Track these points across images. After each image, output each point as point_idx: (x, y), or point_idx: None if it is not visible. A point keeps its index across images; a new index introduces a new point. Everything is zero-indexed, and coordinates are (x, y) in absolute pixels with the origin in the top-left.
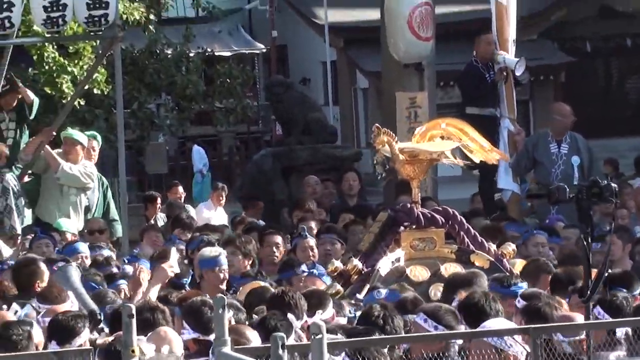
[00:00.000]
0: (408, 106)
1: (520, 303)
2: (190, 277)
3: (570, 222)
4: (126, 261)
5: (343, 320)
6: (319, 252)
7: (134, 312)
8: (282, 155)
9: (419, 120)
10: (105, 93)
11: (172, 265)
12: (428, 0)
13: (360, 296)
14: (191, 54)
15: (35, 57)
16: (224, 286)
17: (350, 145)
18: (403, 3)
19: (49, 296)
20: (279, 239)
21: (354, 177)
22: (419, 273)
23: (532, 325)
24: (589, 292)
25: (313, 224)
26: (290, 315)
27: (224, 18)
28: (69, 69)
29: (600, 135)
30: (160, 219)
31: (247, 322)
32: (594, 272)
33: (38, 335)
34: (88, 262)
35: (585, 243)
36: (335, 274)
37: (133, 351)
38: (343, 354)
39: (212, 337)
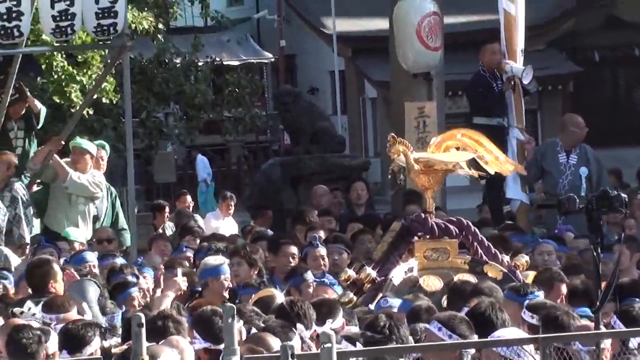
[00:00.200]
0: (417, 116)
1: (526, 314)
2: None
3: (578, 232)
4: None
5: (354, 329)
6: (328, 261)
7: (143, 321)
8: (290, 164)
9: (428, 130)
10: (114, 102)
11: (184, 280)
12: (437, 10)
13: (372, 306)
14: (200, 63)
15: (44, 66)
16: (226, 294)
17: (358, 154)
18: (412, 13)
19: (53, 305)
20: (294, 249)
21: (362, 187)
22: (432, 283)
23: (542, 335)
24: (598, 303)
25: (322, 233)
26: (299, 325)
27: (232, 27)
28: (78, 78)
29: (608, 145)
30: (169, 228)
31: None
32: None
33: (53, 345)
34: (96, 271)
35: (595, 253)
36: (348, 282)
37: None
38: None
39: (222, 346)
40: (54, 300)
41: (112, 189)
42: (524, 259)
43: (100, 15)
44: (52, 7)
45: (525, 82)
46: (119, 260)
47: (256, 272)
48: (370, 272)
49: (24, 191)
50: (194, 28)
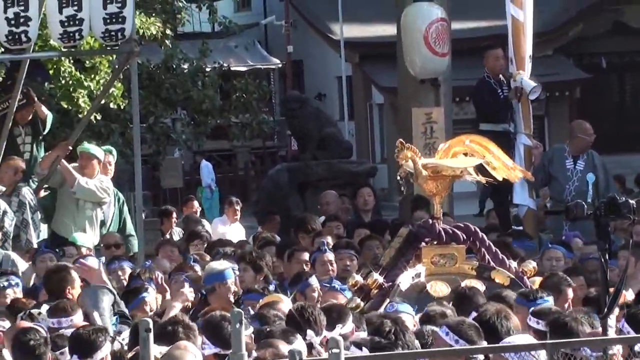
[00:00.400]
0: (424, 122)
1: (531, 320)
2: None
3: (584, 238)
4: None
5: (362, 335)
6: (338, 267)
7: (151, 326)
8: (297, 170)
9: (435, 135)
10: (122, 107)
11: (191, 291)
12: (444, 16)
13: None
14: (207, 69)
15: (51, 72)
16: (232, 299)
17: (365, 160)
18: (419, 19)
19: (57, 309)
20: (307, 255)
21: (369, 192)
22: (440, 289)
23: (550, 341)
24: (606, 309)
25: (329, 239)
26: (309, 331)
27: (240, 33)
28: (86, 83)
29: (615, 151)
30: (176, 233)
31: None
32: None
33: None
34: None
35: (603, 260)
36: (356, 288)
37: None
38: None
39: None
40: (58, 305)
41: (120, 194)
42: (531, 264)
43: (108, 21)
44: (60, 12)
45: (531, 97)
46: (125, 264)
47: (262, 279)
48: (378, 277)
49: (32, 196)
50: (201, 34)
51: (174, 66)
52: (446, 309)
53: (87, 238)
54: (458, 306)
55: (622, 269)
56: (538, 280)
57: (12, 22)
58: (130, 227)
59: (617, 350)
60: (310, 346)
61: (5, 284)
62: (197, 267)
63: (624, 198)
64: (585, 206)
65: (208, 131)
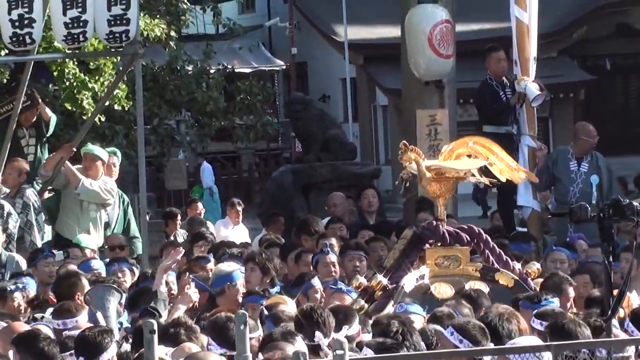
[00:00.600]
0: (428, 123)
1: (535, 322)
2: None
3: (588, 240)
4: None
5: (367, 336)
6: (348, 267)
7: (155, 327)
8: (301, 172)
9: (439, 137)
10: (126, 109)
11: (196, 292)
12: (448, 17)
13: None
14: (211, 71)
15: (55, 73)
16: (240, 300)
17: (369, 162)
18: (424, 20)
19: (61, 311)
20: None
21: (373, 194)
22: (444, 290)
23: (554, 343)
24: (609, 311)
25: (334, 241)
26: (318, 333)
27: (244, 35)
28: (90, 85)
29: (619, 152)
30: (180, 235)
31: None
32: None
33: None
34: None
35: (607, 262)
36: (360, 289)
37: None
38: None
39: None
40: (62, 306)
41: (125, 196)
42: (535, 266)
43: (112, 23)
44: (64, 14)
45: (533, 105)
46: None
47: (269, 281)
48: (382, 279)
49: (36, 198)
50: (205, 35)
51: (178, 68)
52: (464, 308)
53: (91, 239)
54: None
55: (626, 272)
56: (541, 281)
57: (16, 23)
58: (134, 229)
59: (630, 352)
60: (317, 348)
61: (13, 287)
62: (210, 265)
63: (627, 200)
64: (589, 208)
65: (212, 133)
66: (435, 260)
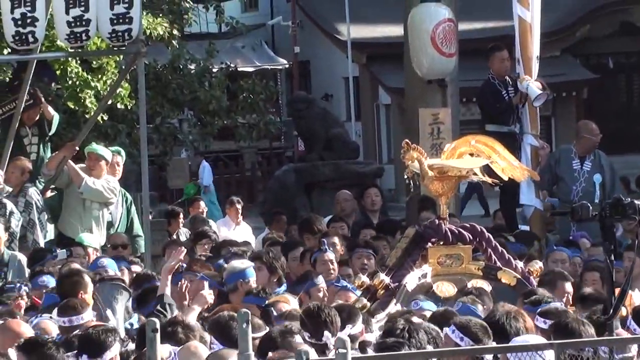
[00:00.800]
0: (431, 122)
1: (538, 320)
2: None
3: (592, 239)
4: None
5: (371, 335)
6: (356, 265)
7: (158, 326)
8: (304, 171)
9: (442, 136)
10: (129, 108)
11: (210, 293)
12: (451, 16)
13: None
14: (214, 70)
15: (58, 72)
16: None
17: (372, 161)
18: (426, 19)
19: (67, 308)
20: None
21: (376, 193)
22: (446, 289)
23: (557, 341)
24: (612, 310)
25: (336, 239)
26: (326, 333)
27: (247, 34)
28: (92, 83)
29: (622, 151)
30: (183, 234)
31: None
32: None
33: None
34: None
35: (608, 261)
36: (362, 288)
37: None
38: None
39: None
40: (67, 303)
41: (128, 195)
42: (537, 265)
43: (115, 21)
44: (67, 12)
45: (535, 104)
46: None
47: (276, 279)
48: (384, 278)
49: (38, 197)
50: (208, 34)
51: (181, 67)
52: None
53: (94, 238)
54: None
55: (628, 270)
56: None
57: (19, 22)
58: (137, 228)
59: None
60: (323, 347)
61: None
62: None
63: (629, 199)
64: (590, 207)
65: (215, 132)
66: (438, 258)
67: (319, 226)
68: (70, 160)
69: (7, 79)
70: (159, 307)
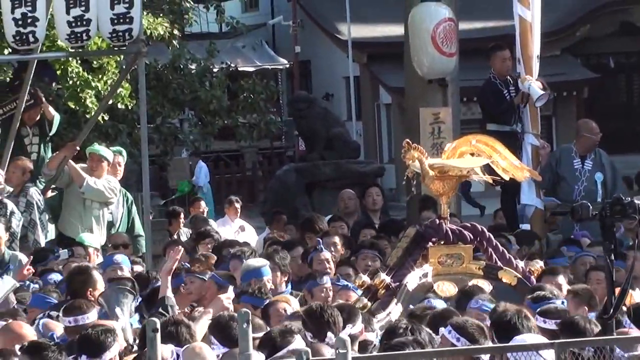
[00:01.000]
0: (432, 122)
1: (538, 320)
2: None
3: (595, 238)
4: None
5: (371, 335)
6: (360, 266)
7: (158, 326)
8: (305, 170)
9: (443, 136)
10: (129, 108)
11: (229, 297)
12: (452, 16)
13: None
14: (215, 69)
15: (59, 72)
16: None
17: (373, 160)
18: (427, 19)
19: (72, 308)
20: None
21: (377, 192)
22: (447, 289)
23: (557, 341)
24: (612, 309)
25: (337, 239)
26: (329, 334)
27: (247, 33)
28: (93, 83)
29: (623, 151)
30: (184, 233)
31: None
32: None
33: None
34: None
35: (608, 260)
36: (363, 288)
37: None
38: None
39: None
40: (72, 304)
41: (128, 194)
42: (538, 264)
43: (115, 21)
44: (68, 12)
45: (537, 105)
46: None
47: (286, 279)
48: (385, 277)
49: (39, 196)
50: (209, 34)
51: (182, 66)
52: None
53: (95, 238)
54: (459, 303)
55: (628, 269)
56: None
57: (20, 22)
58: (138, 227)
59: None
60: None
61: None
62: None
63: (629, 198)
64: (590, 207)
65: (215, 131)
66: (439, 258)
67: (321, 225)
68: (71, 160)
69: (8, 79)
70: (160, 309)
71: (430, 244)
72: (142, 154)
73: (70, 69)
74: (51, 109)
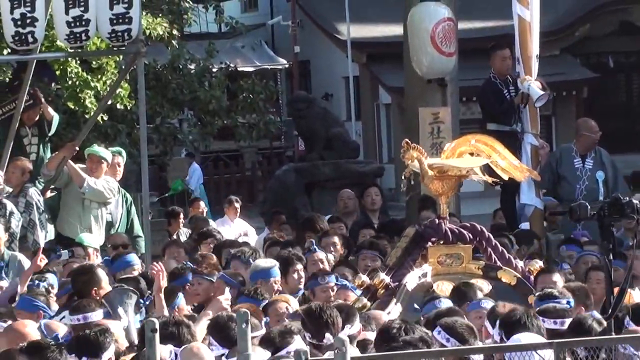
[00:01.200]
0: (431, 122)
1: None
2: None
3: (595, 238)
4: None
5: (371, 334)
6: (360, 266)
7: (157, 326)
8: (304, 170)
9: (442, 135)
10: (128, 108)
11: (227, 298)
12: (451, 15)
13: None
14: (214, 69)
15: (58, 72)
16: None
17: (372, 160)
18: (426, 18)
19: (79, 307)
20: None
21: (376, 192)
22: (446, 289)
23: (556, 340)
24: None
25: (336, 239)
26: (328, 335)
27: (246, 33)
28: (92, 84)
29: (623, 150)
30: (183, 234)
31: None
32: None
33: None
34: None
35: (607, 260)
36: (362, 287)
37: None
38: None
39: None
40: (79, 304)
41: (128, 195)
42: (537, 264)
43: (114, 21)
44: (67, 13)
45: (537, 105)
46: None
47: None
48: (384, 277)
49: (39, 197)
50: (208, 34)
51: (181, 67)
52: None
53: (94, 238)
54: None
55: (627, 269)
56: None
57: (19, 22)
58: (138, 228)
59: None
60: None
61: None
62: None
63: (627, 198)
64: (589, 207)
65: (215, 131)
66: (438, 258)
67: (322, 225)
68: (70, 161)
69: (7, 79)
70: None
71: (430, 243)
72: (141, 154)
73: (69, 69)
74: (50, 109)
